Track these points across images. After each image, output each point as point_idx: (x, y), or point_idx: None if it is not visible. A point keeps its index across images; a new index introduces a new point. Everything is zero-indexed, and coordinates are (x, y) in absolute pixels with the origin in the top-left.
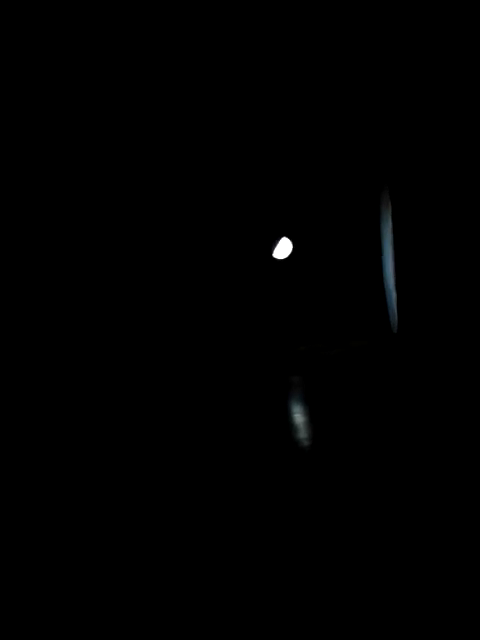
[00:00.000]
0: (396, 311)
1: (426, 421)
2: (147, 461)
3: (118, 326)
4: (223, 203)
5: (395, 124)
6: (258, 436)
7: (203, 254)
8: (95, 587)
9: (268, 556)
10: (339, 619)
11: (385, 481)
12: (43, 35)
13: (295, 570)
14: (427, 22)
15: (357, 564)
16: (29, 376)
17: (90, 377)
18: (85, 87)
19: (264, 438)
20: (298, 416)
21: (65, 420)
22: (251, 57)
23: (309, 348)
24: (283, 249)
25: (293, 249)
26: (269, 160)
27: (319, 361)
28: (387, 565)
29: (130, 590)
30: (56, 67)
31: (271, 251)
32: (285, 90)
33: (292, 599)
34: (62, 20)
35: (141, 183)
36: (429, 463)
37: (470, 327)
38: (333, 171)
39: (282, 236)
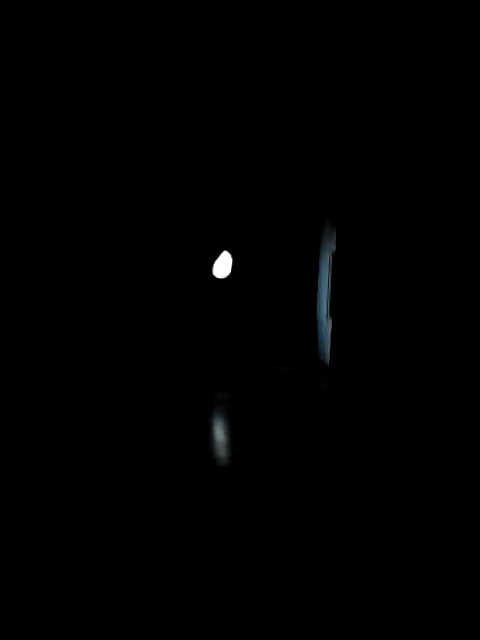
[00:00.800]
0: (329, 340)
1: (344, 445)
2: (66, 470)
3: (45, 344)
4: (166, 217)
5: (340, 155)
6: (177, 451)
7: (144, 265)
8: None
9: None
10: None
11: (297, 500)
12: (43, 35)
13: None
14: (371, 52)
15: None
16: None
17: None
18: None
19: (183, 453)
20: (219, 433)
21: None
22: (201, 73)
23: (236, 367)
24: (223, 267)
25: (232, 270)
26: (215, 180)
27: (246, 380)
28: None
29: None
30: (56, 67)
31: (211, 268)
32: (232, 108)
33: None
34: (62, 20)
35: (80, 193)
36: (342, 482)
37: (400, 360)
38: (276, 201)
39: (222, 252)
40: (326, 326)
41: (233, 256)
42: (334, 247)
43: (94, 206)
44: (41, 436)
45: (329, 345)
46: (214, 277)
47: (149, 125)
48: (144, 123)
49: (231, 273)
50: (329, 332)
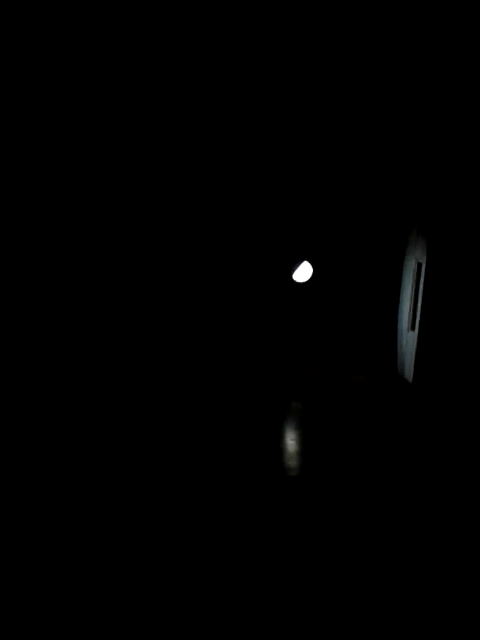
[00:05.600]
0: (411, 353)
1: (421, 464)
2: (142, 477)
3: (125, 344)
4: (246, 224)
5: (430, 161)
6: (251, 460)
7: (222, 272)
8: (93, 587)
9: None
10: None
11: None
12: (43, 35)
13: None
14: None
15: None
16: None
17: (94, 402)
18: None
19: (256, 463)
20: (291, 443)
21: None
22: (286, 82)
23: (312, 375)
24: (303, 273)
25: (313, 277)
26: (300, 189)
27: (322, 389)
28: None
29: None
30: (56, 67)
31: (291, 274)
32: (319, 114)
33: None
34: (62, 20)
35: (163, 199)
36: (414, 500)
37: None
38: (363, 208)
39: (303, 260)
40: (407, 338)
41: (315, 262)
42: (423, 257)
43: (178, 208)
44: (104, 438)
45: (410, 358)
46: (294, 282)
47: (231, 128)
48: (228, 126)
49: (312, 279)
50: (411, 345)
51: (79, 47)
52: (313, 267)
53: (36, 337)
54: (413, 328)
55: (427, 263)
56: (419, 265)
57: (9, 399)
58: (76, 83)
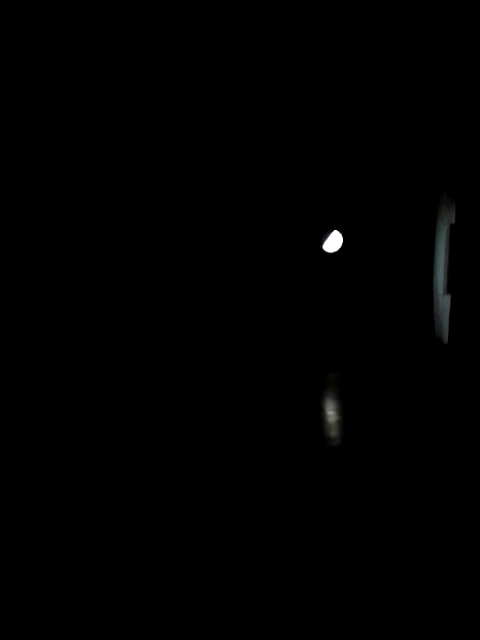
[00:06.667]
0: (446, 317)
1: (463, 436)
2: (173, 447)
3: (165, 308)
4: (277, 194)
5: (460, 126)
6: (288, 432)
7: (254, 244)
8: (95, 587)
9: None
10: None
11: (409, 488)
12: (43, 35)
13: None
14: None
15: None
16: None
17: (133, 363)
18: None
19: (294, 435)
20: (332, 414)
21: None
22: (316, 54)
23: (348, 344)
24: (333, 243)
25: (344, 245)
26: (327, 155)
27: (358, 358)
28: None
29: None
30: (56, 67)
31: (321, 244)
32: (345, 84)
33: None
34: (62, 20)
35: (192, 170)
36: (458, 471)
37: None
38: (392, 172)
39: (333, 229)
40: (443, 302)
41: (345, 229)
42: (453, 219)
43: (211, 180)
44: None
45: (446, 322)
46: (324, 252)
47: (256, 98)
48: (263, 96)
49: (343, 247)
50: (446, 308)
51: (78, 46)
52: (343, 236)
53: (52, 323)
54: (448, 291)
55: (457, 225)
56: (451, 227)
57: (9, 397)
58: (76, 82)
